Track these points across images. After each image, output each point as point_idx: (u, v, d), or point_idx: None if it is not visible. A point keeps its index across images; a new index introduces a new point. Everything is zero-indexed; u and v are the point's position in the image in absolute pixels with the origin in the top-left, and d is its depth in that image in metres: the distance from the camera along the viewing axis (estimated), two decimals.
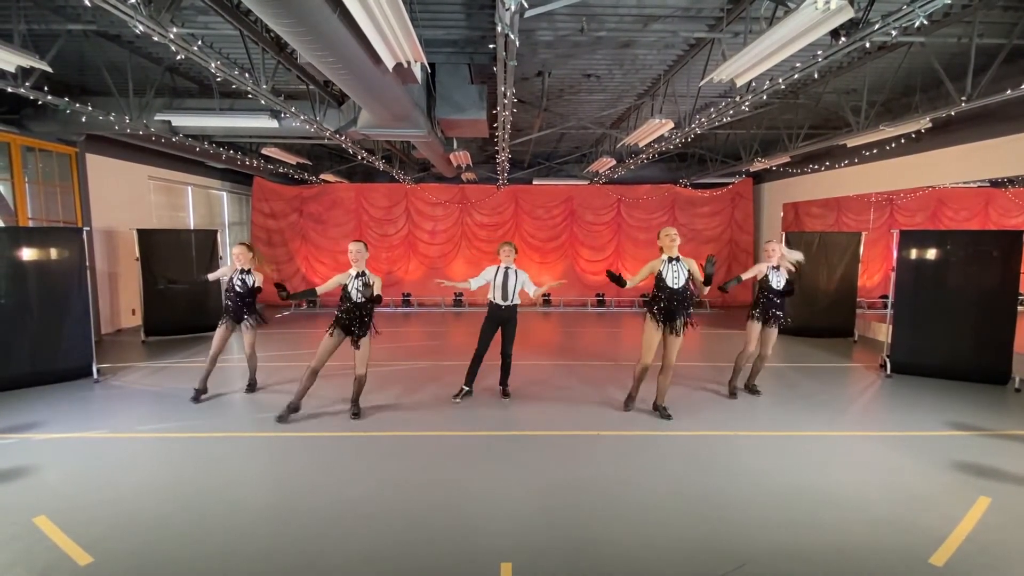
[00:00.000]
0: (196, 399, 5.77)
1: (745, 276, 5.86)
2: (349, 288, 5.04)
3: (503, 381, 5.99)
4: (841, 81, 7.24)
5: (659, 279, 5.08)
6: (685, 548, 3.17)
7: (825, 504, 3.66)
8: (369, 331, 5.14)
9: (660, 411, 5.36)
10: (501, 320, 5.70)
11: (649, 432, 5.00)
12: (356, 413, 5.33)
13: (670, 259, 5.06)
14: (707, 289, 5.09)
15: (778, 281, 5.87)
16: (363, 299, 5.04)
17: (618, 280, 5.17)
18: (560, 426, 5.16)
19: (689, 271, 5.06)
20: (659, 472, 4.18)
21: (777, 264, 5.90)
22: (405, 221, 14.09)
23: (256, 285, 5.84)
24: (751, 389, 6.18)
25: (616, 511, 3.60)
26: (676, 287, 5.01)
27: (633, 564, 3.02)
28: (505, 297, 5.63)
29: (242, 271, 5.82)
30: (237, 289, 5.80)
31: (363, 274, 5.07)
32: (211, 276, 6.21)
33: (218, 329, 5.80)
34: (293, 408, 5.23)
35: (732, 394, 6.03)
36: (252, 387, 6.20)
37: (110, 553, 3.08)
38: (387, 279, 13.27)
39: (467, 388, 5.91)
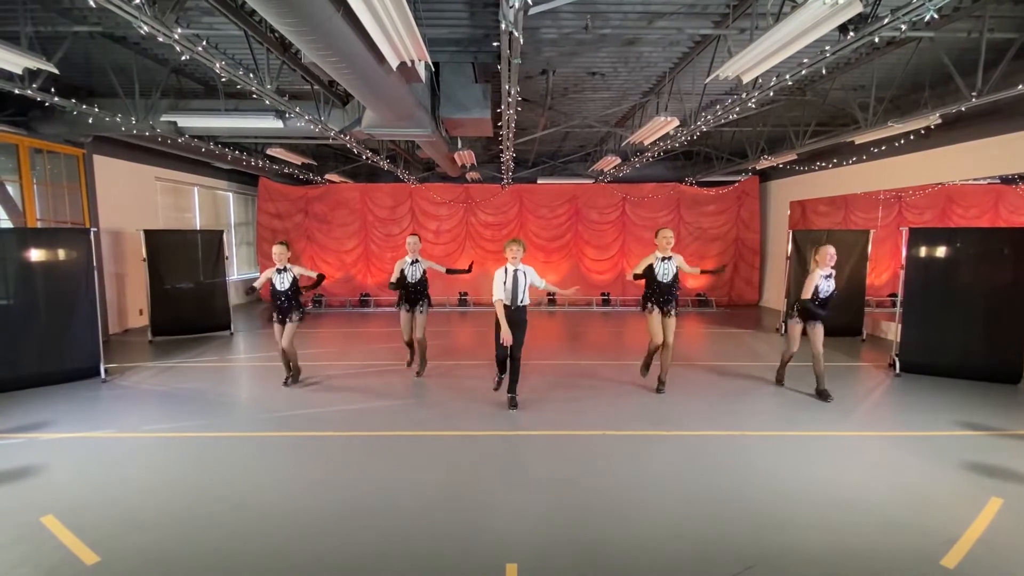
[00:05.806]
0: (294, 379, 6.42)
1: (807, 295, 5.72)
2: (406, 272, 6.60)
3: (511, 388, 5.66)
4: (849, 77, 7.17)
5: (652, 275, 5.87)
6: (692, 549, 3.15)
7: (834, 505, 3.63)
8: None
9: (660, 385, 6.17)
10: (510, 324, 5.44)
11: (655, 432, 4.98)
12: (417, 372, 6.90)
13: (663, 258, 5.83)
14: (698, 270, 6.42)
15: (827, 288, 5.76)
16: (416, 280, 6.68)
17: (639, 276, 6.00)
18: (565, 426, 5.14)
19: (677, 266, 5.89)
20: (666, 472, 4.15)
21: (830, 272, 5.76)
22: (410, 221, 14.10)
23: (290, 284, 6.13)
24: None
25: (622, 511, 3.58)
26: (665, 281, 5.84)
27: (640, 565, 3.00)
28: (514, 300, 5.43)
29: (280, 270, 6.15)
30: (278, 288, 6.13)
31: (416, 261, 6.56)
32: (257, 284, 6.22)
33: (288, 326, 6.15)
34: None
35: (825, 397, 5.89)
36: (296, 376, 6.51)
37: (117, 552, 3.09)
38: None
39: (501, 376, 5.81)
